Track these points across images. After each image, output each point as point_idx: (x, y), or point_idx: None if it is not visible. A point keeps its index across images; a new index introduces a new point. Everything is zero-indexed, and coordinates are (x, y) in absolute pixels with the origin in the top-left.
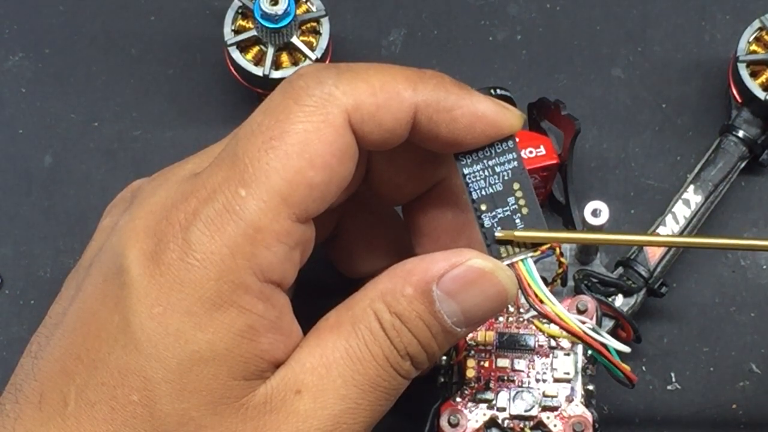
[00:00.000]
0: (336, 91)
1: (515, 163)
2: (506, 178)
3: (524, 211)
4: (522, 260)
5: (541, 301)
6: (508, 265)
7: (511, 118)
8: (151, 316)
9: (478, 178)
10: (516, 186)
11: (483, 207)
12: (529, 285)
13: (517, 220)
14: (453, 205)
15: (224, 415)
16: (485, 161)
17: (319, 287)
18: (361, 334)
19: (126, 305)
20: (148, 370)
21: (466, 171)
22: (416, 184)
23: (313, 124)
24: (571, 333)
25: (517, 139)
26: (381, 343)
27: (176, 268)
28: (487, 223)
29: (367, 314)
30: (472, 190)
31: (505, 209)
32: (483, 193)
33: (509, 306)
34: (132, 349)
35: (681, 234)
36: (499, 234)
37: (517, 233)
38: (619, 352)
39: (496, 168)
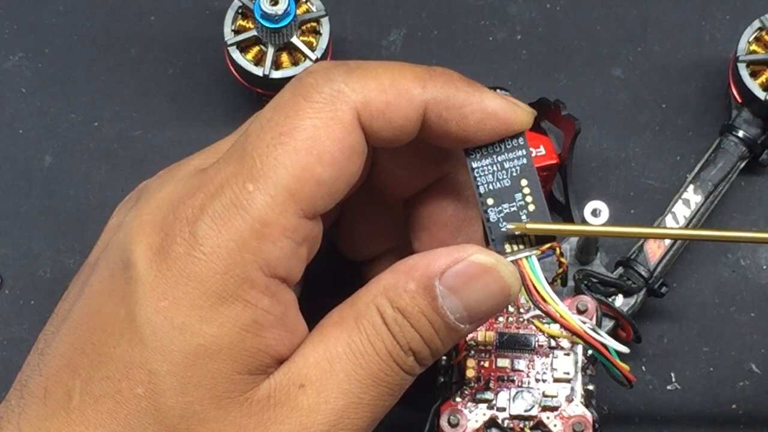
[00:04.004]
0: (345, 88)
1: (524, 159)
2: (514, 174)
3: (531, 207)
4: (526, 258)
5: (544, 300)
6: (511, 261)
7: (521, 114)
8: (156, 310)
9: (486, 172)
10: (524, 182)
11: (490, 201)
12: (532, 283)
13: (523, 216)
14: (454, 201)
15: (228, 409)
16: (494, 156)
17: (326, 285)
18: (363, 329)
19: (132, 299)
20: (153, 364)
21: (474, 165)
22: (419, 180)
23: (322, 121)
24: (573, 332)
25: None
26: (383, 337)
27: (183, 261)
28: (493, 217)
29: (369, 309)
30: (479, 184)
31: (511, 205)
32: (490, 187)
33: (509, 306)
34: (137, 343)
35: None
36: (511, 226)
37: (529, 225)
38: (618, 352)
39: (504, 164)
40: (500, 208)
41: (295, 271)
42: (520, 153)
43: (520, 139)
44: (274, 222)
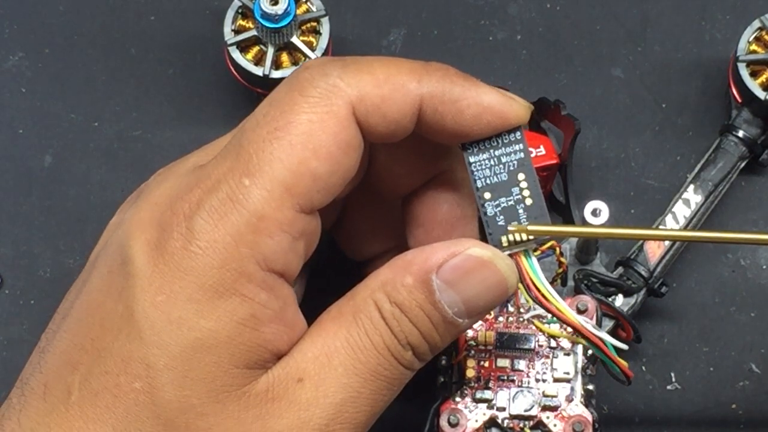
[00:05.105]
0: (340, 83)
1: (521, 154)
2: (512, 168)
3: (528, 202)
4: (524, 252)
5: (543, 297)
6: (509, 256)
7: (518, 109)
8: (154, 305)
9: (483, 167)
10: (521, 177)
11: (487, 196)
12: (530, 279)
13: (521, 211)
14: (450, 198)
15: (226, 402)
16: (492, 151)
17: (328, 285)
18: (361, 323)
19: (130, 294)
20: (151, 358)
21: (472, 159)
22: (416, 176)
23: (318, 115)
24: (572, 327)
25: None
26: (381, 332)
27: (180, 256)
28: (490, 212)
29: (367, 304)
30: (476, 178)
31: (508, 199)
32: (488, 182)
33: (509, 306)
34: (135, 338)
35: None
36: (512, 228)
37: (530, 227)
38: (617, 350)
39: (502, 158)
40: (497, 202)
41: (293, 266)
42: (517, 147)
43: (518, 134)
44: (270, 216)
